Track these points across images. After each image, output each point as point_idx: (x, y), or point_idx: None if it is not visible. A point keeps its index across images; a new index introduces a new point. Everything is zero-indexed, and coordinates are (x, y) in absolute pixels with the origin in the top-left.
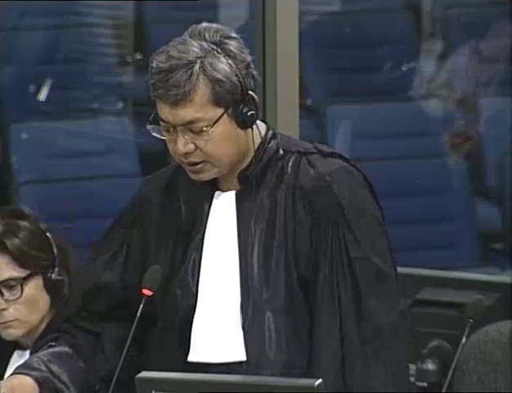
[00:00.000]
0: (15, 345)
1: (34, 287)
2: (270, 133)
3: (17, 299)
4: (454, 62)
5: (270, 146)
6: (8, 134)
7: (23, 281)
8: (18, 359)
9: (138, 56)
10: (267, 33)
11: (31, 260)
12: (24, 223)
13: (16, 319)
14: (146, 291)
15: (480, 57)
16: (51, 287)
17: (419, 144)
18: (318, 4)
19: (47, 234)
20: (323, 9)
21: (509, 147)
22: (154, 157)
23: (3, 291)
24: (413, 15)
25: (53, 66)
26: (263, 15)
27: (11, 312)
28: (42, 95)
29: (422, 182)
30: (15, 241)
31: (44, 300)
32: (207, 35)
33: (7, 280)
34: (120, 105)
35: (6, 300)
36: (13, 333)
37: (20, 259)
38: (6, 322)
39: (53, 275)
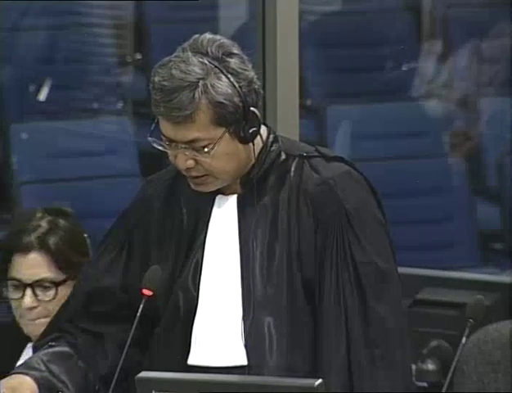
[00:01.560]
0: (29, 339)
1: (67, 291)
2: (271, 136)
3: (50, 300)
4: (454, 62)
5: (272, 150)
6: (8, 134)
7: (59, 284)
8: (29, 351)
9: (138, 56)
10: (267, 33)
11: (70, 266)
12: (66, 224)
13: (44, 317)
14: (146, 291)
15: (480, 57)
16: None
17: (419, 144)
18: (318, 4)
19: (85, 236)
20: (323, 9)
21: (509, 147)
22: (154, 157)
23: (37, 290)
24: (413, 15)
25: (53, 66)
26: (263, 15)
27: (40, 311)
28: (42, 95)
29: (422, 182)
30: (58, 242)
31: None
32: (209, 50)
33: (43, 280)
34: (120, 105)
35: (37, 300)
36: (33, 330)
37: (59, 261)
38: (33, 320)
39: None
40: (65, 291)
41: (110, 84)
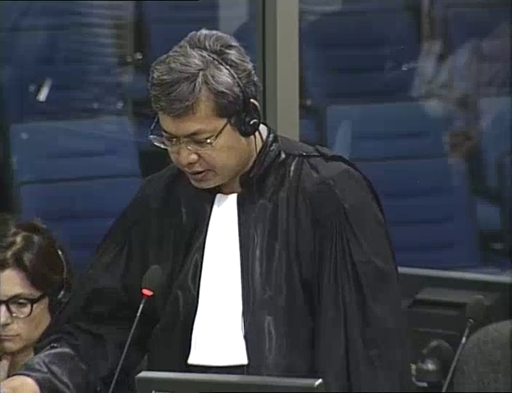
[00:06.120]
0: None
1: (42, 308)
2: (271, 136)
3: (24, 317)
4: (454, 62)
5: (271, 149)
6: (8, 134)
7: (34, 302)
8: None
9: (138, 56)
10: (267, 33)
11: (45, 282)
12: (41, 240)
13: (18, 335)
14: (146, 291)
15: (480, 57)
16: (54, 308)
17: (419, 144)
18: (318, 4)
19: (60, 253)
20: (323, 9)
21: (509, 147)
22: (154, 157)
23: (11, 306)
24: (413, 15)
25: (53, 66)
26: (263, 15)
27: (14, 328)
28: (42, 95)
29: (422, 182)
30: (33, 259)
31: (46, 320)
32: (207, 44)
33: (18, 296)
34: (120, 105)
35: (12, 317)
36: (10, 347)
37: (34, 278)
38: (7, 336)
39: (59, 297)
40: (39, 310)
41: (110, 84)
